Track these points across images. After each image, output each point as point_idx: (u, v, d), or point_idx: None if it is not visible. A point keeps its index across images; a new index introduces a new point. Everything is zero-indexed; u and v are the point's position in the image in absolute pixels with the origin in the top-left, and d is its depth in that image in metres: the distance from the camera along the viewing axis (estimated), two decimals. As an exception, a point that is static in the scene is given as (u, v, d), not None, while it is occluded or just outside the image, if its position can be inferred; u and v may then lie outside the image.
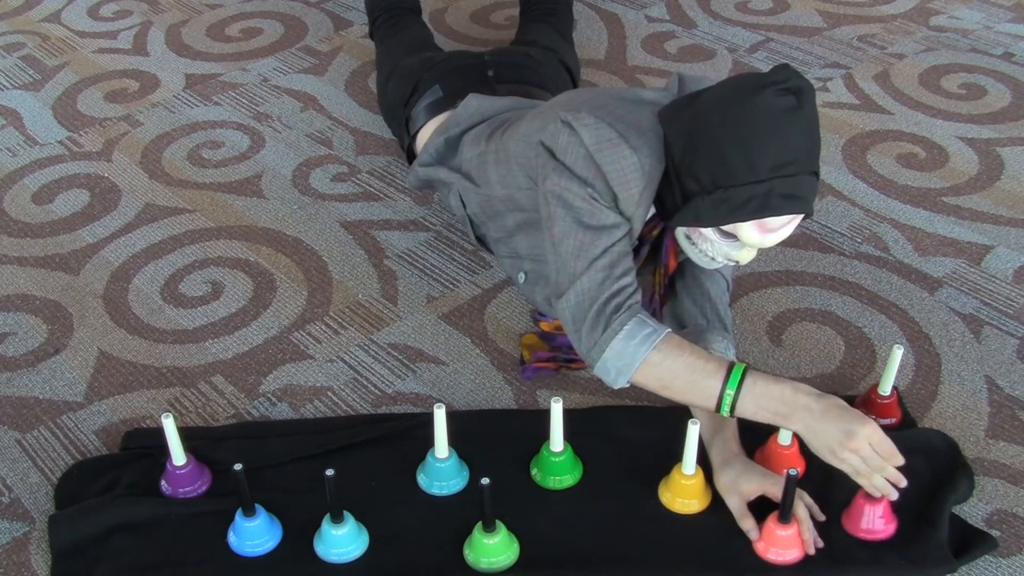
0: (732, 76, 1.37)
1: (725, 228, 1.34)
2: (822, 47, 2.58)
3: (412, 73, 2.02)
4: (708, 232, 1.37)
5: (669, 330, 1.38)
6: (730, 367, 1.33)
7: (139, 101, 2.42)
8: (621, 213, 1.40)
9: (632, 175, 1.37)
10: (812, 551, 1.34)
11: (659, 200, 1.42)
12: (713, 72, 2.47)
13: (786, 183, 1.27)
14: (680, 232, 1.43)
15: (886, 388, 1.51)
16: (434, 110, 1.91)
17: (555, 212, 1.42)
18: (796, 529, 1.33)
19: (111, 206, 2.07)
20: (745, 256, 1.39)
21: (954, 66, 2.49)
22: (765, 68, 2.48)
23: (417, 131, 1.93)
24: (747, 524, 1.36)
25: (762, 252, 1.89)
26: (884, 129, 2.26)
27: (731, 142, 1.27)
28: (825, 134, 2.23)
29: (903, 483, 1.32)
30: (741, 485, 1.36)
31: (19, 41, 2.70)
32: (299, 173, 2.15)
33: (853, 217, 1.99)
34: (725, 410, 1.32)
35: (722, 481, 1.39)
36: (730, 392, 1.31)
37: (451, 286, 1.85)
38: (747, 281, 1.84)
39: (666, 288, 1.57)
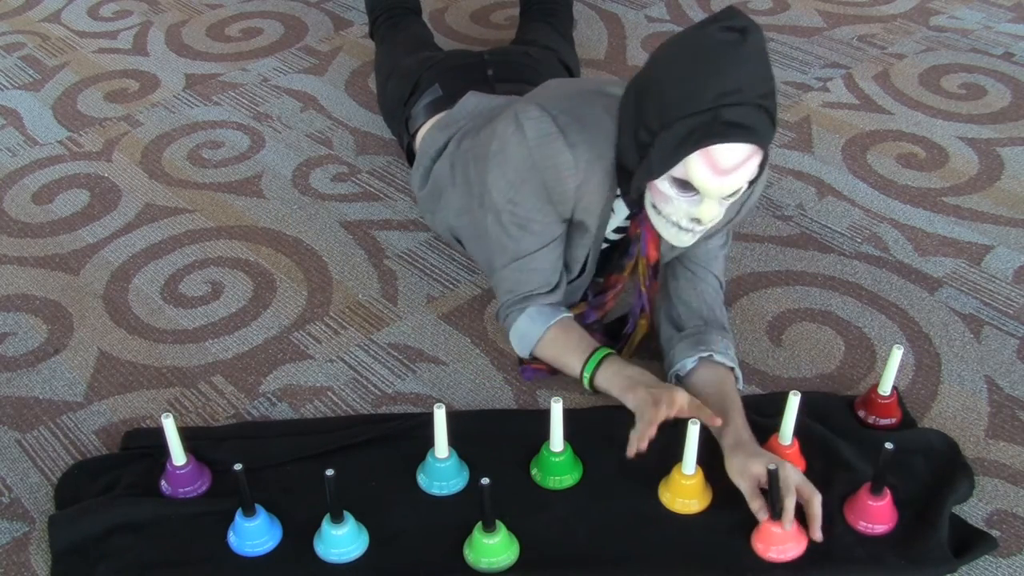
0: None
1: (678, 176, 1.32)
2: (822, 47, 2.58)
3: (411, 73, 2.03)
4: (665, 188, 1.35)
5: (565, 316, 1.56)
6: (594, 351, 1.51)
7: (139, 101, 2.42)
8: (555, 209, 1.46)
9: (566, 171, 1.42)
10: (818, 537, 1.33)
11: (623, 182, 1.42)
12: (713, 72, 2.47)
13: (730, 111, 1.26)
14: (648, 203, 1.42)
15: (886, 388, 1.51)
16: (433, 109, 1.91)
17: (488, 203, 1.53)
18: (794, 526, 1.33)
19: (111, 206, 2.07)
20: (706, 212, 1.35)
21: (954, 66, 2.49)
22: (765, 68, 2.48)
23: (417, 130, 1.93)
24: (756, 504, 1.35)
25: (759, 252, 1.89)
26: (884, 129, 2.26)
27: (674, 79, 1.28)
28: (825, 134, 2.23)
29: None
30: (751, 468, 1.36)
31: (19, 41, 2.70)
32: (299, 173, 2.15)
33: (853, 217, 1.99)
34: (586, 385, 1.52)
35: (733, 465, 1.39)
36: (587, 374, 1.51)
37: (451, 286, 1.84)
38: (747, 281, 1.84)
39: (651, 280, 1.57)
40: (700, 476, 1.40)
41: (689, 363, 1.52)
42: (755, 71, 1.27)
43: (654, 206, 1.41)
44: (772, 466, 1.30)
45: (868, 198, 2.04)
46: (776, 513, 1.32)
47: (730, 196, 1.36)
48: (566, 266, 1.58)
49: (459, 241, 1.82)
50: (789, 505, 1.32)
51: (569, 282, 1.60)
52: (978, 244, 1.92)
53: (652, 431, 1.40)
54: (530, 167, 1.45)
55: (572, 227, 1.54)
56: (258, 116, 2.35)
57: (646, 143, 1.33)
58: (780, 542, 1.33)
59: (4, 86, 2.49)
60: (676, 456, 1.40)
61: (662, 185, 1.35)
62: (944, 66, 2.49)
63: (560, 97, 1.48)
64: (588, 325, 1.62)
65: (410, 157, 1.99)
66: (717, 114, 1.26)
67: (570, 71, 2.18)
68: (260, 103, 2.39)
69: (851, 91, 2.39)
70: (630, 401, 1.46)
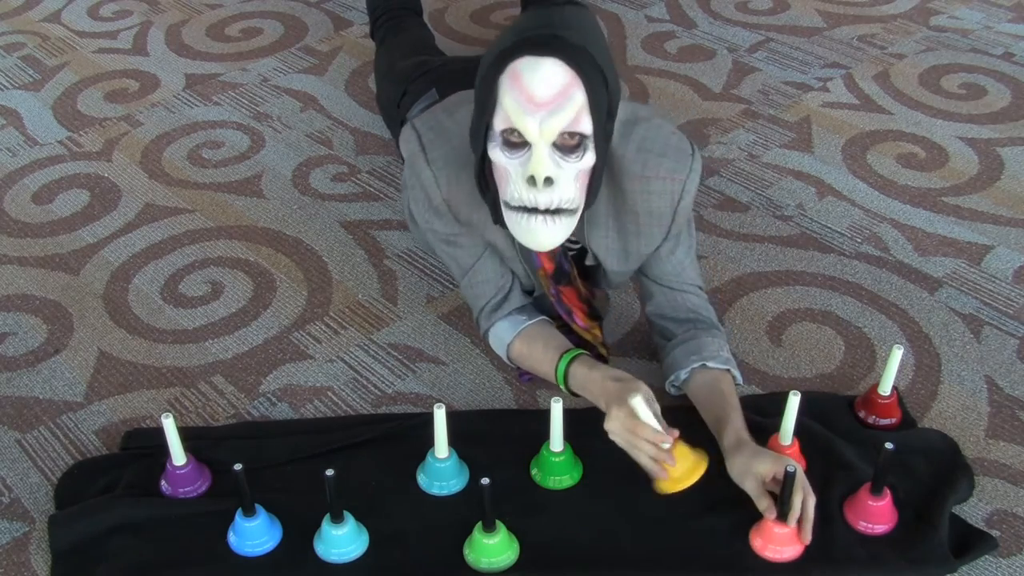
0: None
1: (501, 127, 1.28)
2: (822, 47, 2.58)
3: (405, 75, 2.03)
4: (498, 157, 1.31)
5: (528, 325, 1.54)
6: (559, 360, 1.48)
7: (139, 101, 2.42)
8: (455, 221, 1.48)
9: (431, 189, 1.44)
10: (808, 539, 1.33)
11: (482, 191, 1.41)
12: (713, 72, 2.47)
13: (527, 39, 1.25)
14: (505, 211, 1.37)
15: (886, 388, 1.51)
16: None
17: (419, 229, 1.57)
18: (795, 526, 1.33)
19: (111, 206, 2.07)
20: (538, 164, 1.28)
21: (954, 66, 2.49)
22: (765, 68, 2.48)
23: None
24: (764, 503, 1.34)
25: (759, 252, 1.89)
26: (884, 129, 2.26)
27: (486, 56, 1.30)
28: (825, 134, 2.23)
29: (672, 462, 1.35)
30: (755, 467, 1.35)
31: (19, 41, 2.70)
32: (299, 173, 2.15)
33: (853, 217, 1.99)
34: (565, 391, 1.49)
35: (735, 466, 1.38)
36: (561, 384, 1.49)
37: (451, 286, 1.84)
38: (747, 281, 1.84)
39: (555, 292, 1.55)
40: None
41: (683, 374, 1.51)
42: (571, 22, 1.26)
43: (506, 203, 1.35)
44: (791, 468, 1.28)
45: (868, 198, 2.04)
46: (783, 512, 1.32)
47: (568, 152, 1.29)
48: (515, 276, 1.58)
49: None
50: (797, 504, 1.32)
51: (531, 292, 1.61)
52: (978, 244, 1.92)
53: (652, 453, 1.36)
54: (418, 187, 1.46)
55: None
56: (258, 116, 2.35)
57: (476, 119, 1.32)
58: (781, 542, 1.33)
59: (4, 86, 2.49)
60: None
61: (495, 155, 1.31)
62: (944, 66, 2.49)
63: (439, 108, 1.49)
64: (575, 329, 1.63)
65: (406, 159, 2.00)
66: (515, 44, 1.25)
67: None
68: (260, 103, 2.39)
69: (851, 91, 2.39)
70: (603, 407, 1.41)
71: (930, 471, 1.45)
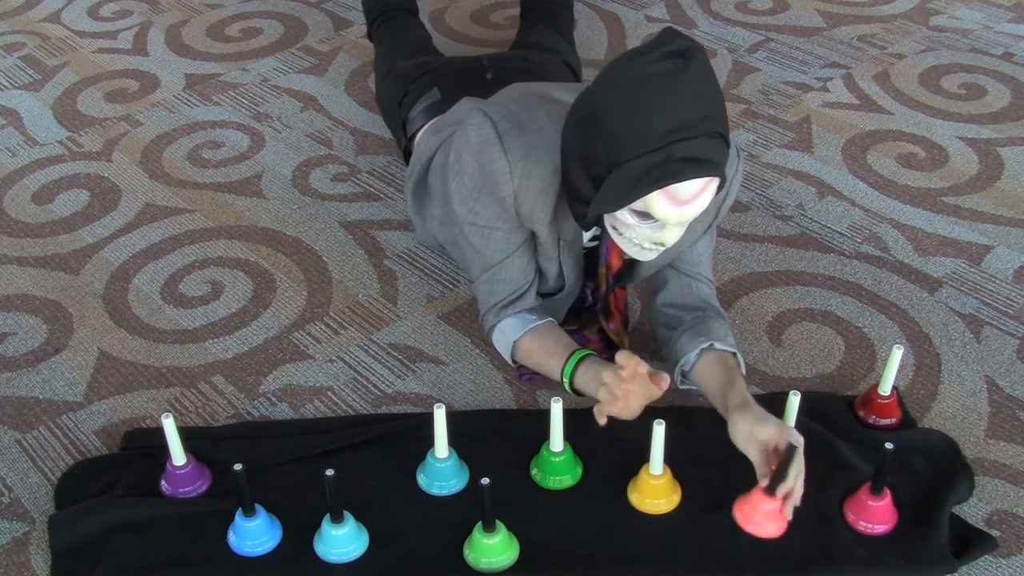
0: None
1: (637, 208, 1.30)
2: (822, 47, 2.58)
3: (406, 75, 2.03)
4: (625, 216, 1.33)
5: (540, 322, 1.55)
6: (571, 355, 1.49)
7: (139, 101, 2.42)
8: (509, 214, 1.46)
9: (502, 178, 1.42)
10: (790, 516, 1.33)
11: (572, 200, 1.40)
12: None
13: (683, 147, 1.22)
14: (607, 224, 1.40)
15: (886, 388, 1.51)
16: (432, 113, 1.91)
17: (453, 214, 1.54)
18: (780, 503, 1.32)
19: (111, 206, 2.07)
20: (669, 236, 1.33)
21: (954, 66, 2.49)
22: (765, 68, 2.48)
23: (415, 133, 1.93)
24: (763, 471, 1.33)
25: (759, 252, 1.89)
26: (884, 129, 2.26)
27: (616, 118, 1.24)
28: (825, 134, 2.23)
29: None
30: (760, 433, 1.33)
31: (19, 41, 2.70)
32: (299, 173, 2.15)
33: (853, 217, 1.99)
34: (568, 389, 1.50)
35: (740, 429, 1.35)
36: (566, 378, 1.50)
37: (451, 286, 1.85)
38: (747, 281, 1.84)
39: (611, 286, 1.56)
40: (668, 476, 1.40)
41: (692, 356, 1.51)
42: (701, 98, 1.22)
43: (615, 228, 1.38)
44: (796, 443, 1.27)
45: (868, 198, 2.04)
46: (774, 485, 1.30)
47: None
48: (542, 275, 1.58)
49: (446, 250, 1.83)
50: (792, 478, 1.30)
51: (551, 294, 1.61)
52: (978, 244, 1.92)
53: (614, 406, 1.39)
54: (479, 173, 1.44)
55: (534, 236, 1.54)
56: (258, 116, 2.35)
57: (599, 177, 1.30)
58: (766, 517, 1.33)
59: (4, 86, 2.49)
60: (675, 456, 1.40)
61: (621, 215, 1.33)
62: (944, 66, 2.49)
63: (508, 101, 1.47)
64: (583, 331, 1.64)
65: (408, 159, 1.99)
66: (669, 152, 1.22)
67: (574, 72, 2.18)
68: (260, 103, 2.40)
69: (851, 91, 2.39)
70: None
71: (930, 471, 1.46)
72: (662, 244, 1.35)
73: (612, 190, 1.28)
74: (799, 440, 1.28)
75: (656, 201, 1.27)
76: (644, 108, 1.22)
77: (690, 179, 1.24)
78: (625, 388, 1.38)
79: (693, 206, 1.28)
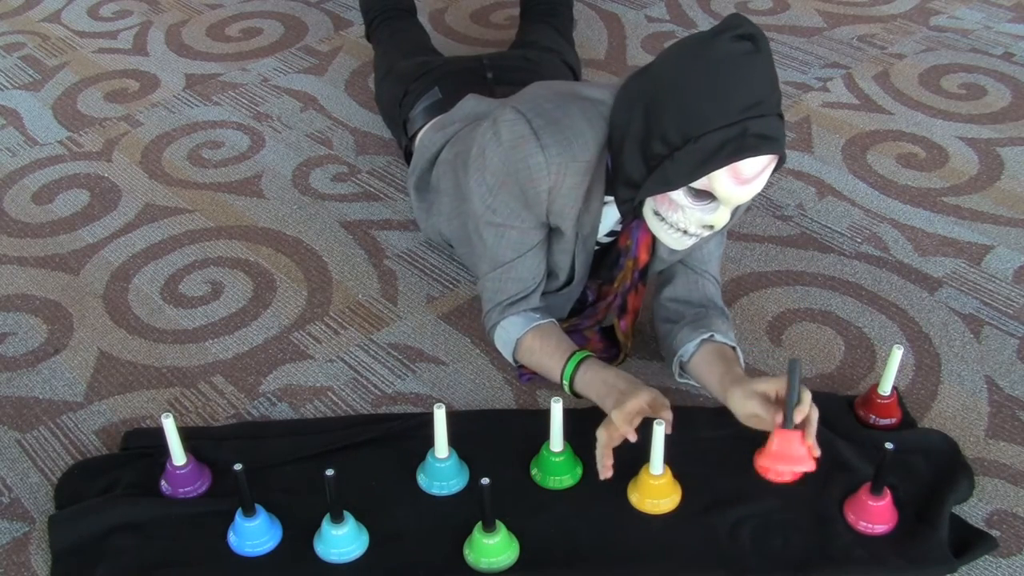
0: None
1: (698, 186, 1.32)
2: (822, 47, 2.58)
3: (406, 75, 2.03)
4: (679, 198, 1.34)
5: (542, 322, 1.55)
6: (571, 356, 1.50)
7: (139, 101, 2.42)
8: (533, 214, 1.47)
9: (537, 174, 1.42)
10: (817, 453, 1.32)
11: (614, 186, 1.42)
12: (713, 72, 2.47)
13: (758, 123, 1.26)
14: (648, 211, 1.41)
15: (886, 388, 1.51)
16: (432, 112, 1.91)
17: (469, 209, 1.55)
18: (800, 436, 1.30)
19: (111, 206, 2.07)
20: (720, 218, 1.36)
21: (954, 66, 2.49)
22: (765, 68, 2.48)
23: (415, 133, 1.93)
24: (771, 415, 1.33)
25: (759, 252, 1.89)
26: (884, 129, 2.26)
27: (697, 91, 1.27)
28: (825, 134, 2.23)
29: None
30: (756, 387, 1.35)
31: (19, 41, 2.70)
32: (299, 173, 2.15)
33: (853, 217, 1.99)
34: (568, 391, 1.50)
35: (735, 397, 1.38)
36: (566, 380, 1.50)
37: (451, 286, 1.85)
38: (747, 281, 1.84)
39: (635, 281, 1.57)
40: (669, 476, 1.40)
41: (691, 347, 1.52)
42: (771, 80, 1.28)
43: (657, 213, 1.40)
44: (793, 357, 1.28)
45: (868, 198, 2.04)
46: (789, 417, 1.30)
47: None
48: (551, 272, 1.58)
49: (451, 245, 1.83)
50: (806, 399, 1.31)
51: (557, 290, 1.61)
52: (978, 244, 1.92)
53: (607, 459, 1.41)
54: (506, 171, 1.45)
55: (551, 232, 1.54)
56: (258, 116, 2.35)
57: (660, 155, 1.32)
58: (793, 459, 1.31)
59: (4, 86, 2.49)
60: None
61: (675, 195, 1.35)
62: (944, 66, 2.49)
63: (539, 99, 1.47)
64: (582, 330, 1.63)
65: (408, 159, 1.99)
66: (745, 127, 1.26)
67: (574, 72, 2.18)
68: (260, 103, 2.40)
69: (851, 91, 2.39)
70: (607, 407, 1.44)
71: (930, 471, 1.46)
72: (711, 227, 1.37)
73: (680, 165, 1.30)
74: (797, 358, 1.30)
75: (721, 178, 1.29)
76: (725, 84, 1.26)
77: (763, 154, 1.28)
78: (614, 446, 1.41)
79: (753, 185, 1.31)
